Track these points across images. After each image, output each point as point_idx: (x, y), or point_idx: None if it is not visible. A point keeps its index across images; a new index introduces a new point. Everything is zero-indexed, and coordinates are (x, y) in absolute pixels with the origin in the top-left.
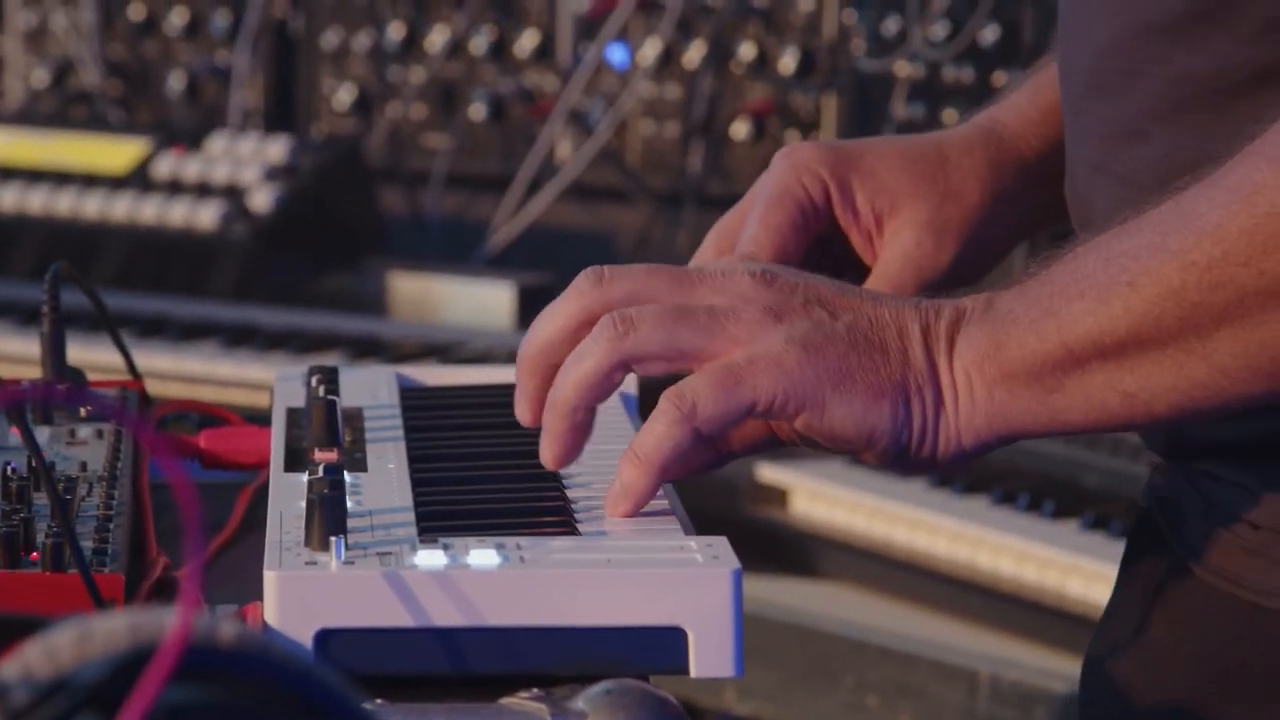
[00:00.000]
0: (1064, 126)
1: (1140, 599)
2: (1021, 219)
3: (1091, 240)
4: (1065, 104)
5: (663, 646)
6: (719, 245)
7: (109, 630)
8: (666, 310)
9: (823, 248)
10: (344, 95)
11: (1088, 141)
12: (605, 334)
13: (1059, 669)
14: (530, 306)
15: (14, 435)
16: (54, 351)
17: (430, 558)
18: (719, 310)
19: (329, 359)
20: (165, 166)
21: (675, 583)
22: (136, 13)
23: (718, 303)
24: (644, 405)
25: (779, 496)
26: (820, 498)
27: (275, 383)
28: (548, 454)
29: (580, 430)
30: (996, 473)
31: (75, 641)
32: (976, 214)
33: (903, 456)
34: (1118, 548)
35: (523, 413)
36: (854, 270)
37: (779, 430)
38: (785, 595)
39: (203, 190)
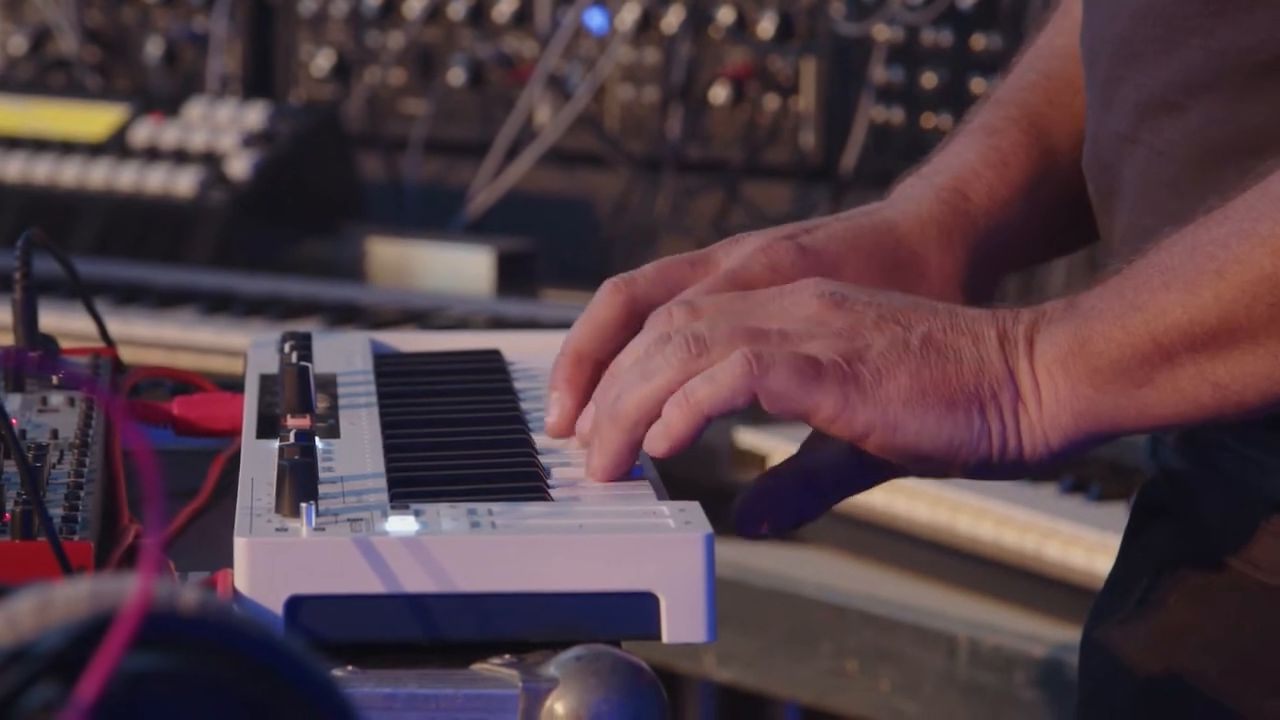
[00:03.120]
0: (1086, 95)
1: (1148, 574)
2: (986, 286)
3: (1173, 234)
4: (1091, 73)
5: (635, 612)
6: (663, 281)
7: (70, 598)
8: (739, 332)
9: None
10: (322, 61)
11: (1118, 112)
12: (678, 354)
13: (1039, 633)
14: (509, 272)
15: None
16: (26, 319)
17: (401, 524)
18: (792, 333)
19: (308, 325)
20: (143, 133)
21: (647, 548)
22: None
23: (789, 328)
24: None
25: (759, 461)
26: None
27: (249, 349)
28: (599, 465)
29: (636, 445)
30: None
31: (36, 609)
32: (948, 294)
33: (987, 465)
34: (1097, 511)
35: (559, 418)
36: None
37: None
38: (764, 561)
39: (181, 157)
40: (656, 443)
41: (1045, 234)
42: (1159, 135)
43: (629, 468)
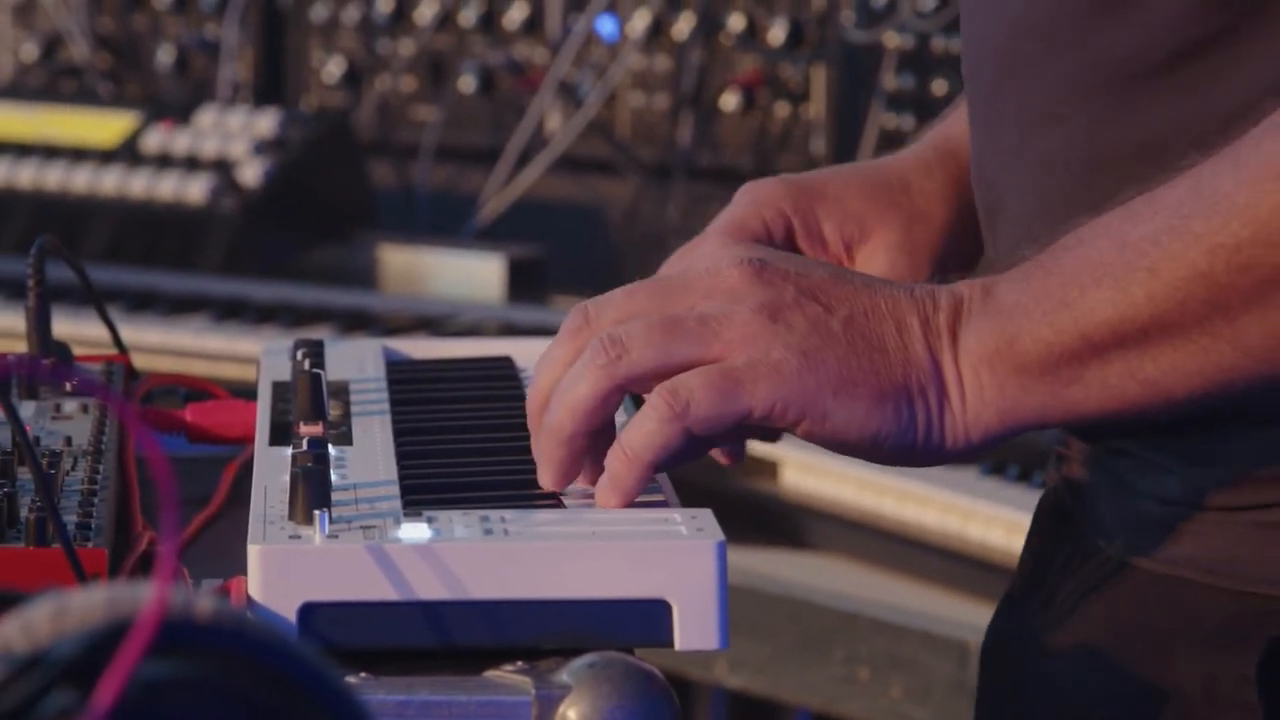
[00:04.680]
0: (969, 113)
1: (1044, 580)
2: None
3: (1094, 224)
4: (973, 90)
5: (647, 619)
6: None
7: (86, 605)
8: (655, 325)
9: None
10: (333, 68)
11: (1000, 127)
12: (596, 359)
13: None
14: (520, 279)
15: None
16: (39, 326)
17: (414, 531)
18: (710, 316)
19: (319, 332)
20: (154, 140)
21: (659, 555)
22: None
23: (708, 308)
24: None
25: (769, 468)
26: (810, 470)
27: (262, 356)
28: (546, 480)
29: (578, 456)
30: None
31: (52, 616)
32: (944, 233)
33: (909, 453)
34: None
35: (538, 457)
36: None
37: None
38: (775, 568)
39: (192, 164)
40: (608, 496)
41: None
42: (1041, 147)
43: (575, 474)
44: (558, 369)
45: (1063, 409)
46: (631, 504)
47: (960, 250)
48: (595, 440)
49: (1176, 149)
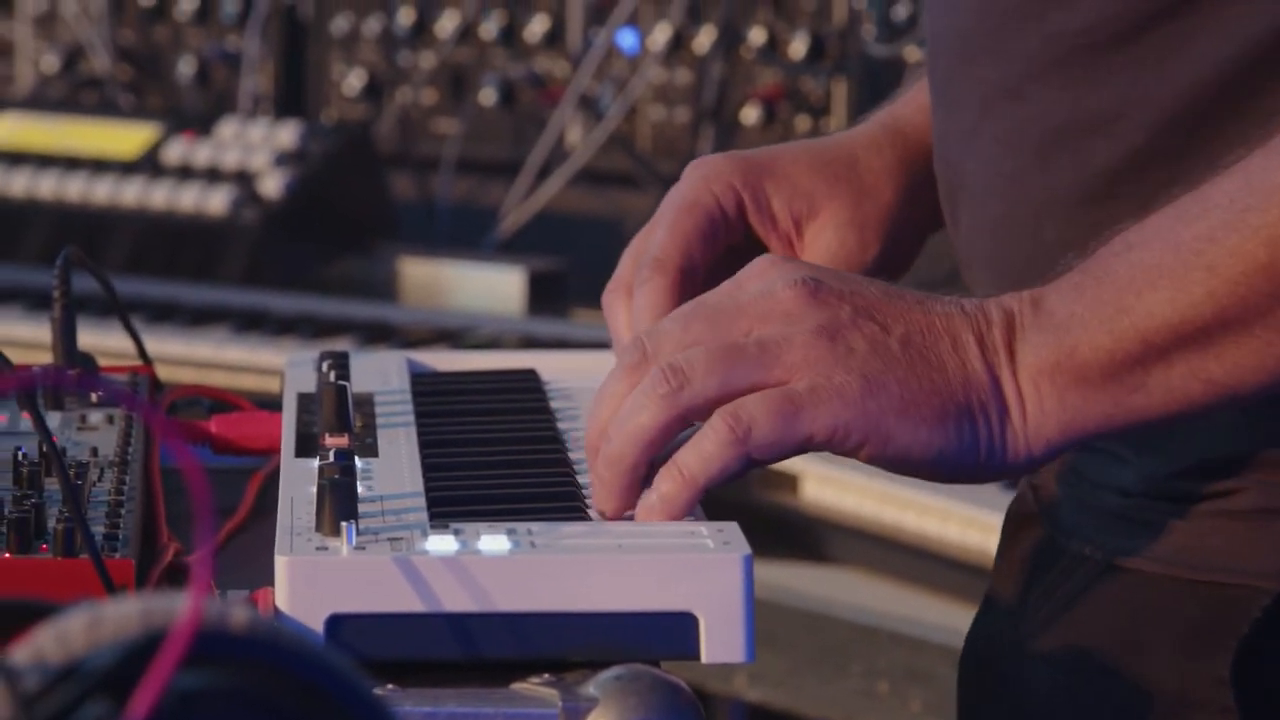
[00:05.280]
0: (931, 97)
1: (1015, 584)
2: (931, 211)
3: (1140, 228)
4: (935, 72)
5: (674, 632)
6: (632, 262)
7: (120, 616)
8: (716, 353)
9: (736, 256)
10: (354, 80)
11: (962, 107)
12: (659, 389)
13: None
14: (540, 292)
15: (25, 421)
16: (65, 337)
17: (441, 543)
18: (769, 341)
19: (340, 344)
20: (175, 152)
21: (686, 568)
22: None
23: (766, 333)
24: None
25: (789, 482)
26: (831, 483)
27: (286, 368)
28: (606, 507)
29: (639, 483)
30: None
31: (87, 627)
32: (892, 210)
33: (971, 472)
34: None
35: (598, 491)
36: None
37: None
38: (796, 581)
39: (213, 175)
40: (655, 515)
41: None
42: (1000, 125)
43: (635, 502)
44: (618, 402)
45: (1126, 415)
46: None
47: (909, 228)
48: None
49: (1133, 122)
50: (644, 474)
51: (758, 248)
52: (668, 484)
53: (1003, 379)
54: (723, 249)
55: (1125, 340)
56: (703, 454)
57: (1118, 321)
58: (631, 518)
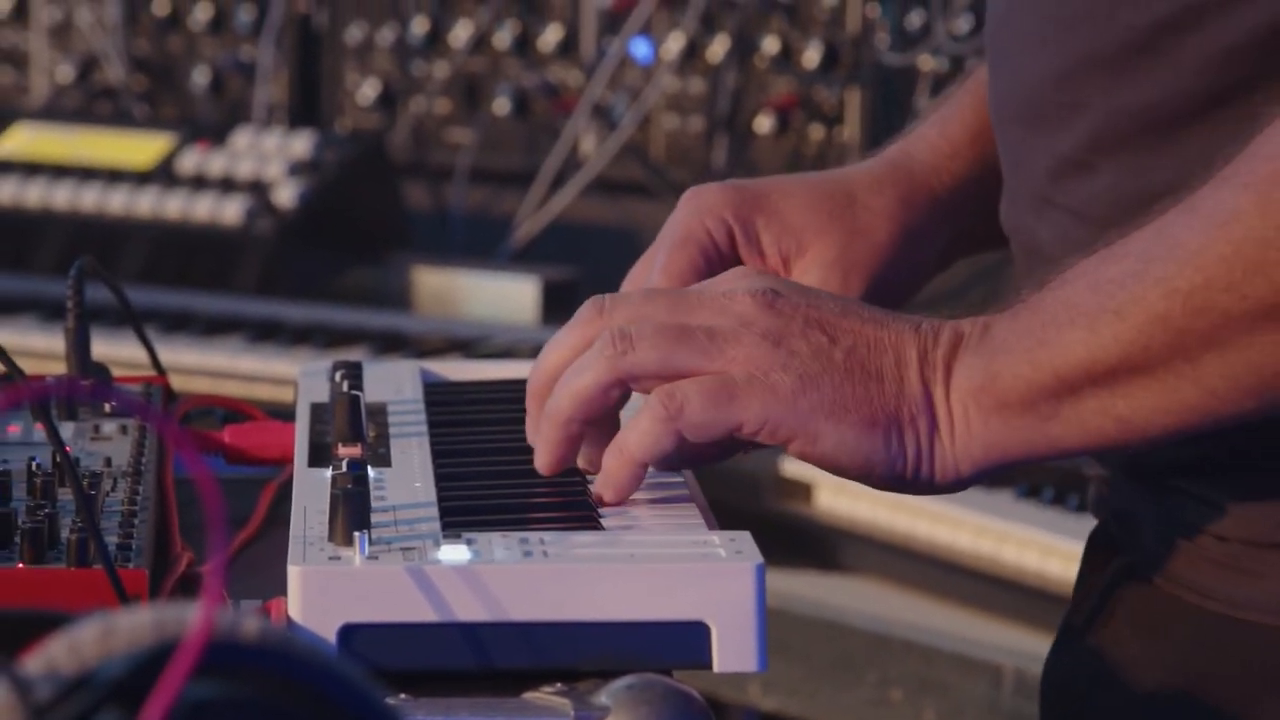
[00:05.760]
0: (1000, 157)
1: (1101, 613)
2: (933, 254)
3: (1078, 265)
4: (1001, 136)
5: (686, 641)
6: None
7: (133, 625)
8: (666, 329)
9: None
10: (368, 90)
11: (1029, 173)
12: (605, 351)
13: None
14: (554, 302)
15: (39, 431)
16: (79, 347)
17: (454, 553)
18: (718, 332)
19: (353, 354)
20: (190, 162)
21: (698, 577)
22: (161, 8)
23: (718, 323)
24: None
25: (803, 491)
26: (844, 492)
27: (299, 378)
28: (541, 462)
29: (574, 441)
30: (1020, 467)
31: (99, 637)
32: (885, 252)
33: (899, 482)
34: None
35: (532, 435)
36: None
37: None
38: (809, 589)
39: (227, 185)
40: (606, 492)
41: (997, 188)
42: (1072, 197)
43: (570, 461)
44: (564, 352)
45: (1046, 443)
46: (667, 519)
47: (904, 269)
48: (599, 434)
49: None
50: (579, 433)
51: None
52: (610, 461)
53: (936, 396)
54: None
55: (1041, 371)
56: (639, 431)
57: (1037, 353)
58: (631, 523)
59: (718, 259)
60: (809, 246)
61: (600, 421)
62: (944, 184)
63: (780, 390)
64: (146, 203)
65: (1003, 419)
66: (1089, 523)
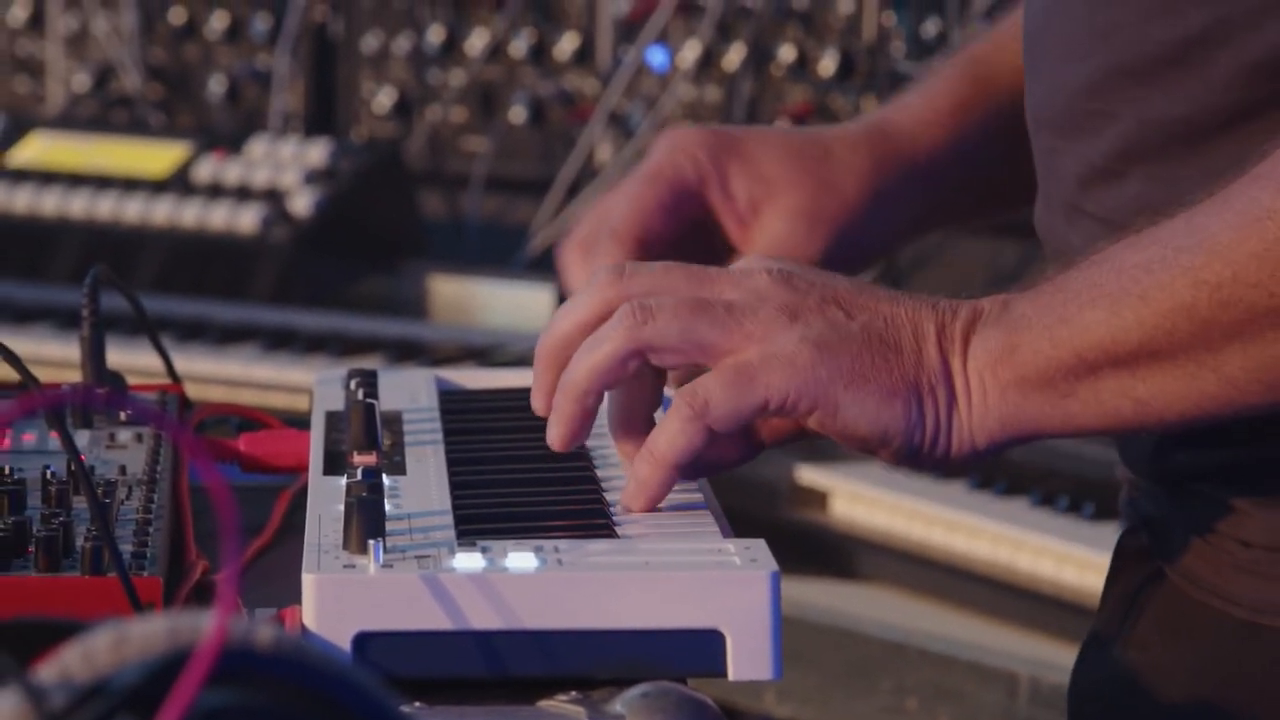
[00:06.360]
0: (1035, 163)
1: (1129, 618)
2: (906, 218)
3: (1105, 249)
4: (1036, 142)
5: (701, 649)
6: (594, 224)
7: (146, 633)
8: (684, 302)
9: (700, 231)
10: (384, 98)
11: (1061, 180)
12: (624, 322)
13: None
14: None
15: (54, 439)
16: (94, 355)
17: (468, 560)
18: (735, 305)
19: (369, 362)
20: (206, 170)
21: (713, 585)
22: (177, 17)
23: (735, 298)
24: None
25: (819, 499)
26: (860, 500)
27: (314, 386)
28: (554, 434)
29: (589, 414)
30: (1036, 474)
31: (113, 645)
32: (854, 209)
33: (916, 455)
34: None
35: (538, 403)
36: (728, 256)
37: (804, 423)
38: (824, 597)
39: (243, 194)
40: (634, 499)
41: (978, 161)
42: (1101, 205)
43: (584, 436)
44: (577, 316)
45: (1060, 419)
46: (682, 528)
47: (872, 229)
48: (631, 430)
49: None
50: (595, 405)
51: (719, 225)
52: (641, 467)
53: (954, 367)
54: (687, 221)
55: (1061, 348)
56: (668, 434)
57: (1057, 330)
58: (641, 520)
59: (686, 198)
60: (778, 195)
61: (637, 421)
62: (922, 150)
63: (799, 361)
64: (162, 211)
65: (1021, 392)
66: (1104, 530)
